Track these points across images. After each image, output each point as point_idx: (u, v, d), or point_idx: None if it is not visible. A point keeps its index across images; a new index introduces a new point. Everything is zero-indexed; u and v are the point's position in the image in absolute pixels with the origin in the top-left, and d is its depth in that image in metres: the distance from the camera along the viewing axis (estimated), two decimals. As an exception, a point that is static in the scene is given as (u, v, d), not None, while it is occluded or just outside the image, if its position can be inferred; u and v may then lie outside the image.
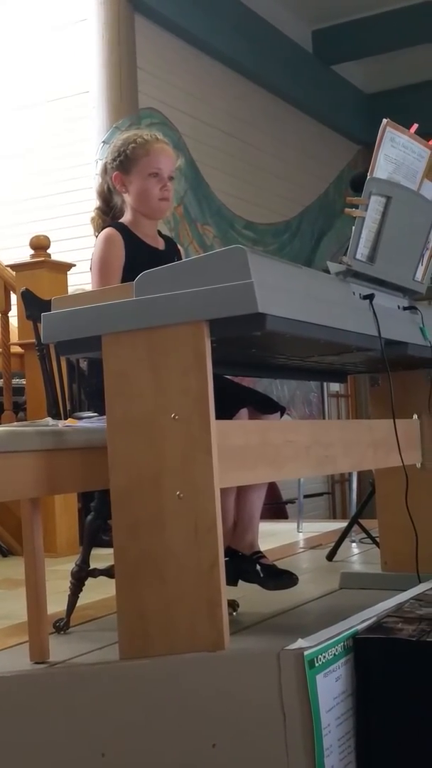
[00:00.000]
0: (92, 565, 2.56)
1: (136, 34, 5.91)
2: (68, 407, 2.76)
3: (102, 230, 2.59)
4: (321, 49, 8.28)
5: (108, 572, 2.49)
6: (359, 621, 1.57)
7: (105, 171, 2.63)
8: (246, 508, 2.57)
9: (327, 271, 2.08)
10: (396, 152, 2.10)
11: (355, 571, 3.37)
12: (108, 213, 2.66)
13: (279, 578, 2.51)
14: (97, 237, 2.59)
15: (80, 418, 2.31)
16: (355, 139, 8.88)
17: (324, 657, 1.41)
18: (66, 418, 2.54)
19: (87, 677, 1.57)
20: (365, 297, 2.08)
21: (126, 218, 2.61)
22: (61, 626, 2.54)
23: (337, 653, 1.44)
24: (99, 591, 2.78)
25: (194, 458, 1.66)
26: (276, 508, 6.42)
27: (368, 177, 2.04)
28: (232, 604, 2.61)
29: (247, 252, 1.63)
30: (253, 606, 2.70)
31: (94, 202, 2.71)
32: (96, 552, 2.59)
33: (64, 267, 4.54)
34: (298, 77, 7.89)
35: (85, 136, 5.80)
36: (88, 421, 2.25)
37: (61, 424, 2.17)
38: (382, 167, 2.07)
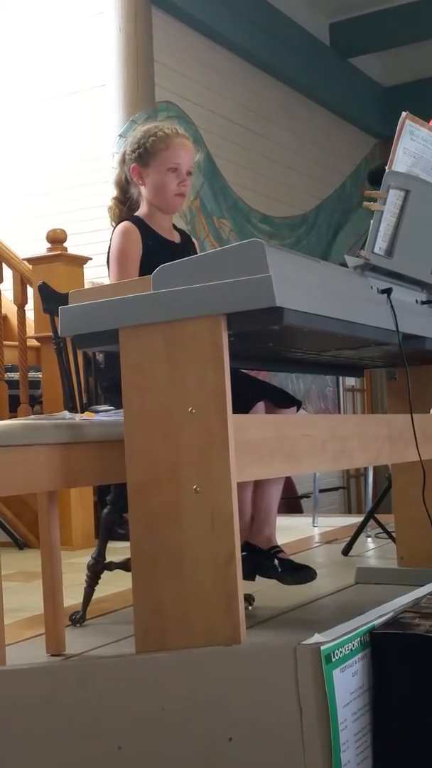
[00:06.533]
0: (108, 558, 2.57)
1: (153, 27, 5.90)
2: (85, 400, 2.76)
3: (118, 221, 2.59)
4: (338, 42, 8.25)
5: (124, 565, 2.50)
6: (376, 616, 1.56)
7: (123, 161, 2.62)
8: (263, 503, 2.57)
9: (344, 265, 2.07)
10: (415, 146, 2.09)
11: (370, 566, 3.36)
12: (125, 203, 2.66)
13: (297, 573, 2.50)
14: (113, 226, 2.59)
15: (97, 412, 2.31)
16: (372, 132, 8.84)
17: (341, 652, 1.41)
18: (83, 412, 2.54)
19: (103, 670, 1.57)
20: (383, 291, 2.07)
21: (142, 211, 2.60)
22: (77, 619, 2.55)
23: (353, 648, 1.44)
24: (115, 584, 2.79)
25: (211, 452, 1.65)
26: (291, 502, 6.41)
27: (387, 170, 2.03)
28: (248, 599, 2.61)
29: (264, 245, 1.62)
30: (269, 600, 2.70)
31: (111, 192, 2.71)
32: (111, 545, 2.59)
33: (81, 260, 4.54)
34: (315, 70, 7.86)
35: (101, 129, 5.80)
36: (105, 415, 2.25)
37: (78, 417, 2.17)
38: (401, 161, 2.06)
